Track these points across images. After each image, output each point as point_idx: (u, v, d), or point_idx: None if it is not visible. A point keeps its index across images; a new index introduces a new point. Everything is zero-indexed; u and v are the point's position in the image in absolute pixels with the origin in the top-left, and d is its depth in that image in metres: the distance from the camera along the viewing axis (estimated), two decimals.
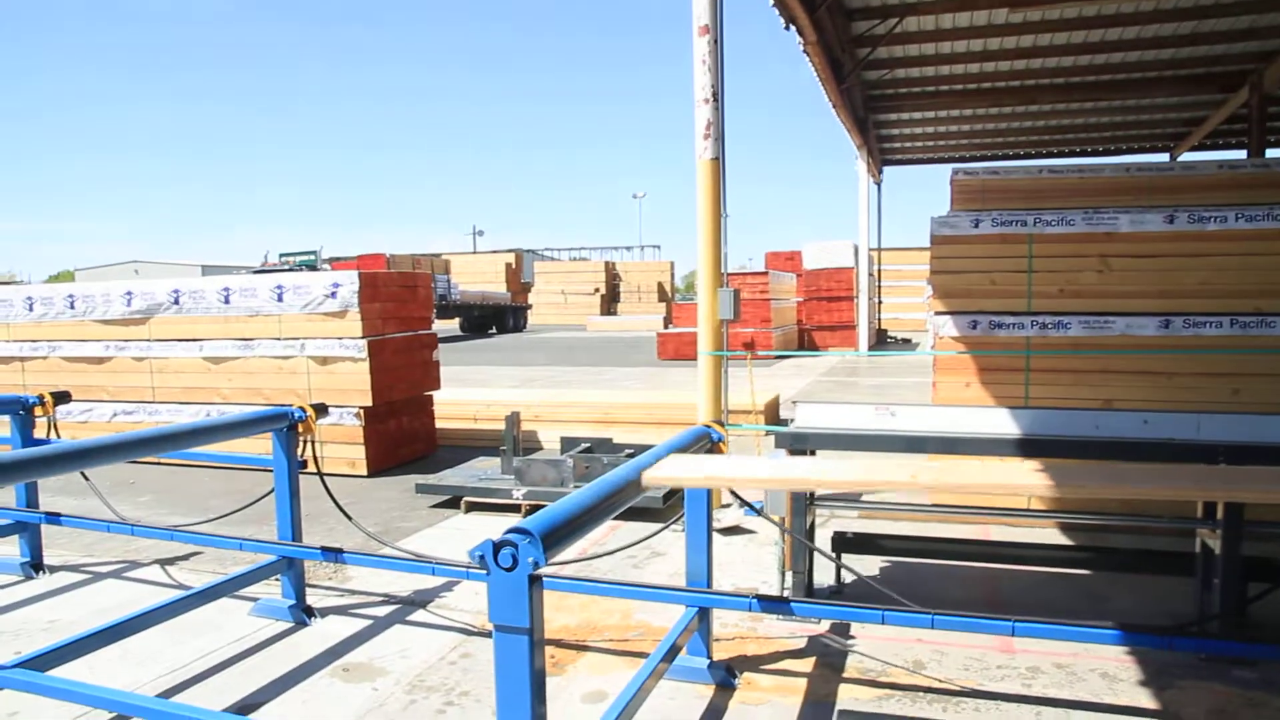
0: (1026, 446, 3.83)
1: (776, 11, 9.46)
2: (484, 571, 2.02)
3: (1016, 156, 20.24)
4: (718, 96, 5.86)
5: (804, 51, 11.03)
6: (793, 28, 9.96)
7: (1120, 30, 12.07)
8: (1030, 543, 4.51)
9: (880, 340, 22.70)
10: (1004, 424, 4.11)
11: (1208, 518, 3.79)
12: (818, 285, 21.30)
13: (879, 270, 22.90)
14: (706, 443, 3.47)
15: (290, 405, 4.13)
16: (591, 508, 2.25)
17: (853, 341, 19.95)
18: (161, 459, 7.42)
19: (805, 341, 21.24)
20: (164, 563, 5.09)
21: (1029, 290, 5.69)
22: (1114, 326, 5.57)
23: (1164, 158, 18.54)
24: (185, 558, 5.18)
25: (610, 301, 42.47)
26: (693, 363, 6.06)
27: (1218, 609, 3.55)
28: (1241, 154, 16.67)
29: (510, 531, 2.00)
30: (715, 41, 5.83)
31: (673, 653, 3.20)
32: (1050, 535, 5.15)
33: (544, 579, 3.42)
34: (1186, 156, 18.20)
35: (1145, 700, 3.27)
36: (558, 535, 2.06)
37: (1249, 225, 5.40)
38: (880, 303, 24.00)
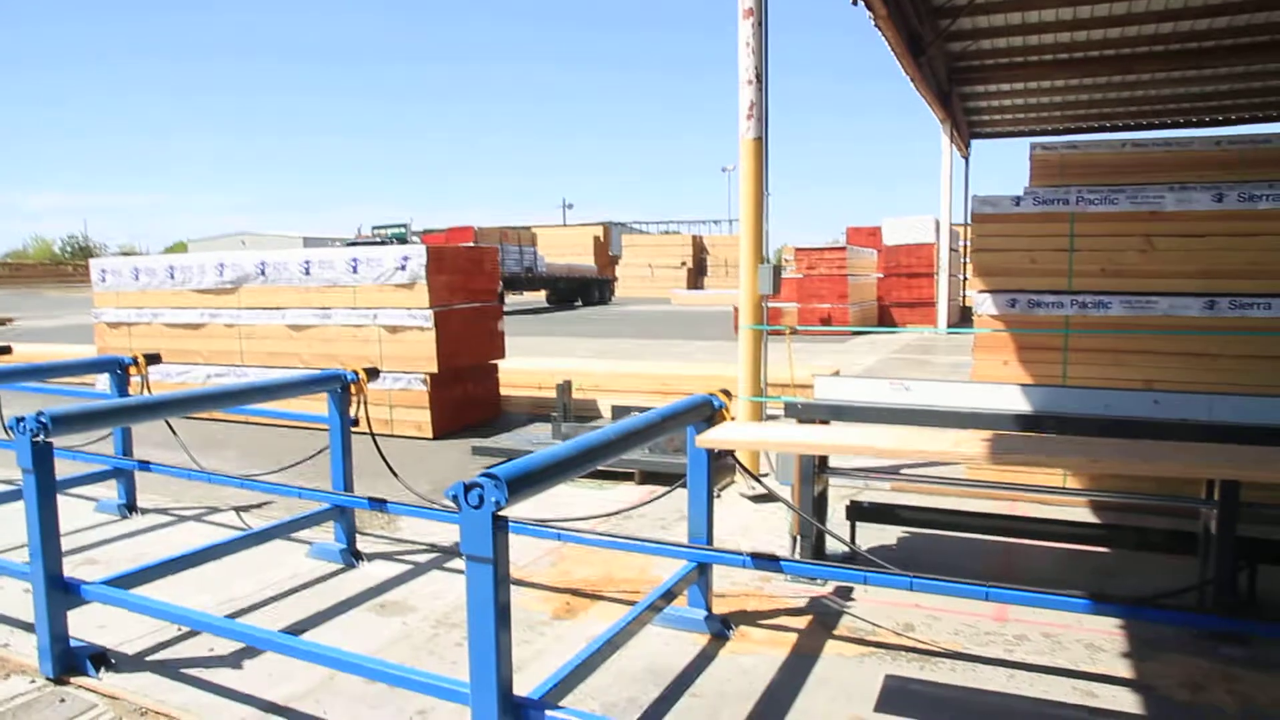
0: (1023, 421, 3.94)
1: None
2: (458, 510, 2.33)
3: (1114, 128, 19.43)
4: (761, 78, 5.99)
5: (875, 26, 10.91)
6: (860, 2, 9.88)
7: None
8: (1043, 518, 4.59)
9: (965, 318, 22.20)
10: (1014, 400, 4.22)
11: (1210, 497, 3.83)
12: (897, 261, 20.97)
13: (965, 246, 22.32)
14: (708, 410, 3.70)
15: (343, 369, 4.55)
16: (558, 462, 2.53)
17: (932, 319, 19.62)
18: (251, 418, 8.07)
19: (884, 318, 20.98)
20: (240, 509, 5.63)
21: (1070, 269, 5.67)
22: (1157, 306, 5.52)
23: (1277, 128, 17.54)
24: (259, 505, 5.72)
25: (697, 275, 42.55)
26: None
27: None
28: None
29: (480, 475, 2.30)
30: (759, 24, 5.95)
31: (666, 598, 3.47)
32: (1079, 513, 5.19)
33: (562, 535, 3.74)
34: None
35: (1122, 670, 3.38)
36: (522, 482, 2.35)
37: None
38: (965, 279, 23.39)
